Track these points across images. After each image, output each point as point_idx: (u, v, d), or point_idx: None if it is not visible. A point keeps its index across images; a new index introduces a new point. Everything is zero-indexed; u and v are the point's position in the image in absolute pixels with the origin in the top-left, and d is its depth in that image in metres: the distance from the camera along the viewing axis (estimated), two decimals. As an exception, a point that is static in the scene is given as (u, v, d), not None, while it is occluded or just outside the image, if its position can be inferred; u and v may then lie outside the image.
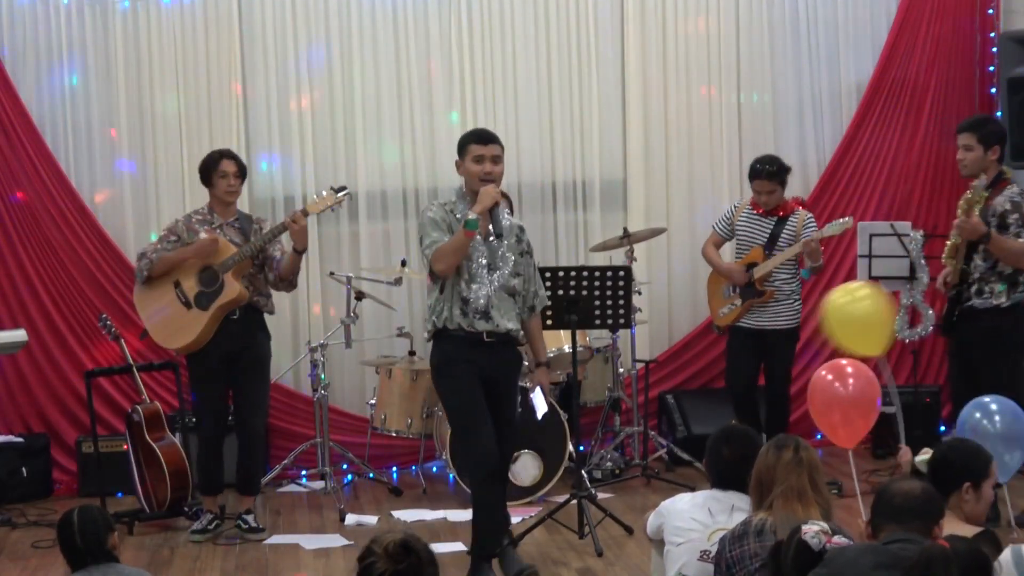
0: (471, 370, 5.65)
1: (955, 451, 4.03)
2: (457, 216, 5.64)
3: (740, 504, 4.30)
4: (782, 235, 7.25)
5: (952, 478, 3.90)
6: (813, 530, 3.50)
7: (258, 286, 6.73)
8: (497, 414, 5.70)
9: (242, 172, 6.78)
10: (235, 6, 7.99)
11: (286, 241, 6.70)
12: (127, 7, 7.91)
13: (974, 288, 6.41)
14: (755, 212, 7.33)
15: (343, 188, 6.71)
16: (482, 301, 5.65)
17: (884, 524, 3.53)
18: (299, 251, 6.61)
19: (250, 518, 6.81)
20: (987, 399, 5.46)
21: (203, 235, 6.62)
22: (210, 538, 6.69)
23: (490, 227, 5.60)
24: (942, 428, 8.08)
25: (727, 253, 7.68)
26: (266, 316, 6.84)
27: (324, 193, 6.68)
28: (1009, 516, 6.20)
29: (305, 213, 6.55)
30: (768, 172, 7.22)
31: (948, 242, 6.52)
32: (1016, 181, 6.50)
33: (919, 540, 3.38)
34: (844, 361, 6.01)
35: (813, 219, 7.37)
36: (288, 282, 6.77)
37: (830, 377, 6.03)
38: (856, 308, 5.98)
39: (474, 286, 5.65)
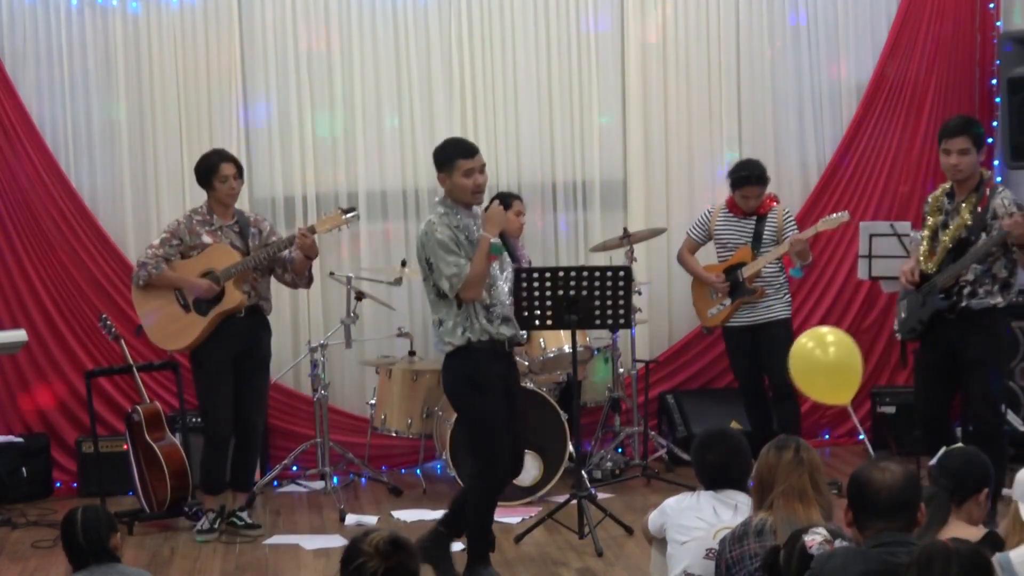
0: (499, 381, 5.66)
1: (974, 459, 4.05)
2: (473, 237, 5.58)
3: (742, 502, 4.32)
4: (765, 232, 7.31)
5: (973, 485, 3.94)
6: (817, 541, 3.47)
7: (260, 290, 6.79)
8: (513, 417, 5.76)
9: (240, 172, 6.81)
10: (235, 6, 7.99)
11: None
12: (127, 7, 7.91)
13: (967, 290, 6.26)
14: (732, 214, 7.37)
15: (351, 209, 6.85)
16: (499, 308, 5.68)
17: (869, 521, 3.49)
18: (310, 258, 6.75)
19: (244, 515, 6.84)
20: None
21: (207, 239, 6.69)
22: (217, 537, 6.67)
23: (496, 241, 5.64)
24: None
25: (709, 256, 7.67)
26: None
27: (332, 212, 6.83)
28: None
29: (312, 231, 6.68)
30: (757, 178, 7.26)
31: (924, 243, 6.30)
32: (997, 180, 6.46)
33: (908, 542, 3.37)
34: None
35: (792, 214, 7.43)
36: (306, 278, 6.83)
37: None
38: (824, 355, 5.78)
39: (494, 292, 5.66)
